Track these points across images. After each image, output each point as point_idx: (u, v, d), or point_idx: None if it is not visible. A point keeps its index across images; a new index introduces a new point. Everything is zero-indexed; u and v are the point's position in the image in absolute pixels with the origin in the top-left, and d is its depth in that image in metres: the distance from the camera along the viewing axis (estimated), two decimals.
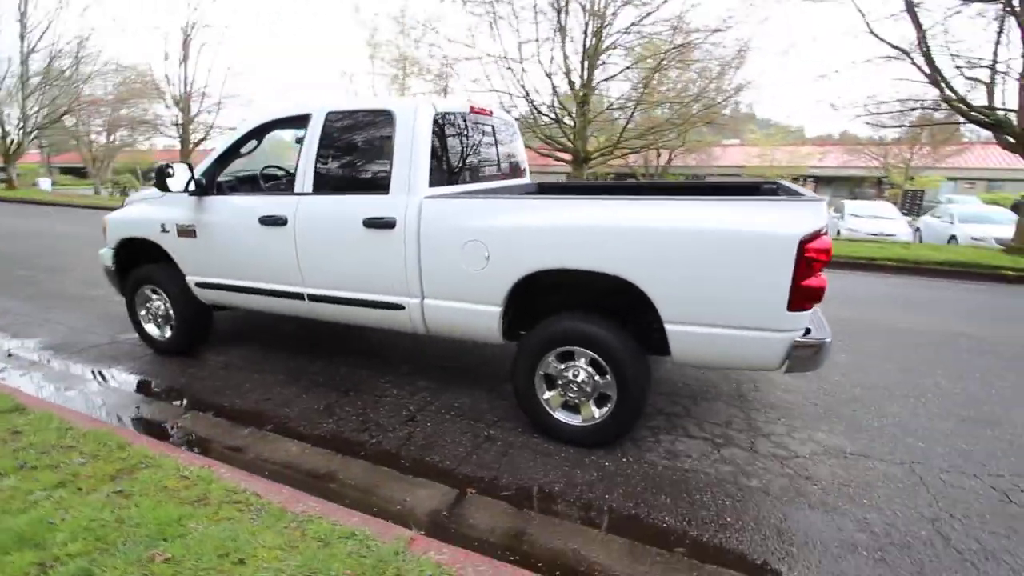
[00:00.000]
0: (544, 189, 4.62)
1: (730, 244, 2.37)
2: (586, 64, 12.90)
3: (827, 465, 2.79)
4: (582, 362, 2.80)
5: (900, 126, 10.57)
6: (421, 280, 3.05)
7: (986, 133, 10.00)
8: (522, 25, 12.77)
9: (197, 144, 21.26)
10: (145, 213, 3.94)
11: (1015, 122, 8.25)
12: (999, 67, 8.29)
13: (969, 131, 15.41)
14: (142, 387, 3.68)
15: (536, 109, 13.51)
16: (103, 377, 3.83)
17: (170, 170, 3.40)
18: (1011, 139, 8.39)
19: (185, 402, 3.46)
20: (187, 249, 3.77)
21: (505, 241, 2.76)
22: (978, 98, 8.54)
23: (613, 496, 2.51)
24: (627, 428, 2.83)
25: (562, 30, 12.63)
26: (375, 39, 33.30)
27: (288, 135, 3.84)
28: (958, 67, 8.85)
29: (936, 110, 9.08)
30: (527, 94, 13.09)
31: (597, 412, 2.84)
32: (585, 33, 12.47)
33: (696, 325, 2.50)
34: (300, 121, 3.44)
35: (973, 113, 8.56)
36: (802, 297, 2.31)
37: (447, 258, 2.93)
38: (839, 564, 2.12)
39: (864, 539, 2.25)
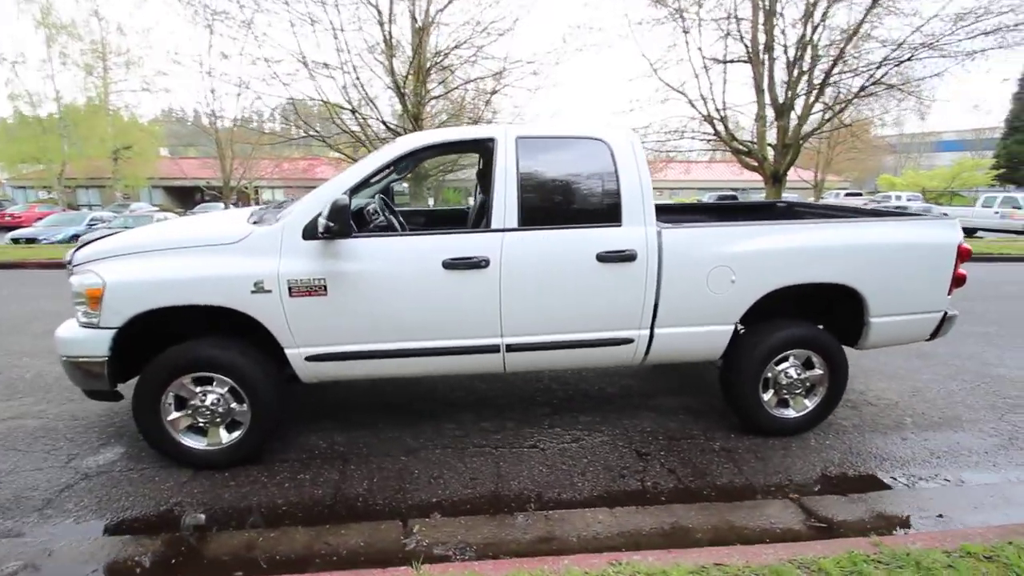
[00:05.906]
0: None
1: (918, 251, 3.20)
2: (416, 80, 12.82)
3: (917, 402, 3.90)
4: (795, 362, 3.26)
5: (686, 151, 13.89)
6: (656, 310, 3.03)
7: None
8: (341, 35, 11.97)
9: None
10: (212, 269, 2.71)
11: (756, 149, 11.83)
12: (746, 109, 11.80)
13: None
14: (296, 516, 2.57)
15: (365, 122, 12.80)
16: (196, 526, 2.51)
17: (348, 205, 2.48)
18: (753, 162, 11.96)
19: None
20: (305, 312, 2.76)
21: (754, 264, 3.02)
22: (738, 132, 11.94)
23: (866, 463, 3.07)
24: (833, 408, 3.39)
25: (387, 42, 12.30)
26: (51, 20, 25.50)
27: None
28: (696, 109, 12.25)
29: (709, 140, 12.28)
30: (366, 103, 12.28)
31: (808, 403, 3.33)
32: (415, 52, 12.39)
33: (892, 315, 3.25)
34: (475, 145, 2.96)
35: (734, 143, 11.91)
36: (955, 284, 3.28)
37: (691, 285, 3.01)
38: (997, 457, 3.14)
39: (995, 441, 3.34)
